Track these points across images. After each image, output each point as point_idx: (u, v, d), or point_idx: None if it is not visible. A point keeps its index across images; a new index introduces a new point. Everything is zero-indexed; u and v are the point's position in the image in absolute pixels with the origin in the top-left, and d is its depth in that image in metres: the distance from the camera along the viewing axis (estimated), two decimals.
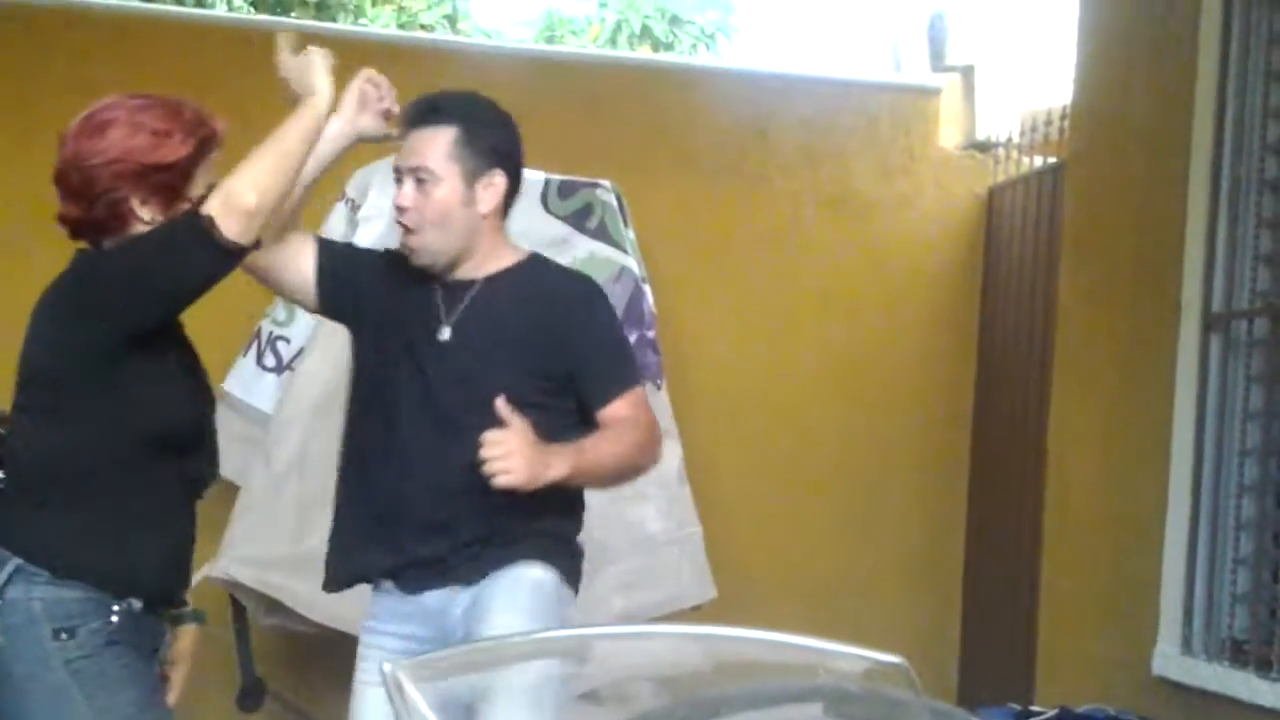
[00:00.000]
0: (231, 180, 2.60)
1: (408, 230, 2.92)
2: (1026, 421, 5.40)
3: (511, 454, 2.66)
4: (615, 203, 5.10)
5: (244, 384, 5.00)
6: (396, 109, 3.01)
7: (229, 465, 4.92)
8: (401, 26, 14.08)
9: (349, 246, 3.44)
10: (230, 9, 12.52)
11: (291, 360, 4.92)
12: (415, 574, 2.92)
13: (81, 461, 2.69)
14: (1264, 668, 3.73)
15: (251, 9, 12.98)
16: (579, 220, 5.03)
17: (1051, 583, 4.81)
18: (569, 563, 2.99)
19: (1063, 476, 4.78)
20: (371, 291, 3.03)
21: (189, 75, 5.48)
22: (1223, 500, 4.01)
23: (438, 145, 2.90)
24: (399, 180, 2.94)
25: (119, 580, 2.68)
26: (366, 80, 2.99)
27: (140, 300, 2.66)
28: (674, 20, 16.62)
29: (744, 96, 6.03)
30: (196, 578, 4.65)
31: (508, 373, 2.86)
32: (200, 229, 2.57)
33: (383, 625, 2.97)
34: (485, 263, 2.95)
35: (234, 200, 2.58)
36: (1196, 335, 4.05)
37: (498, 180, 2.94)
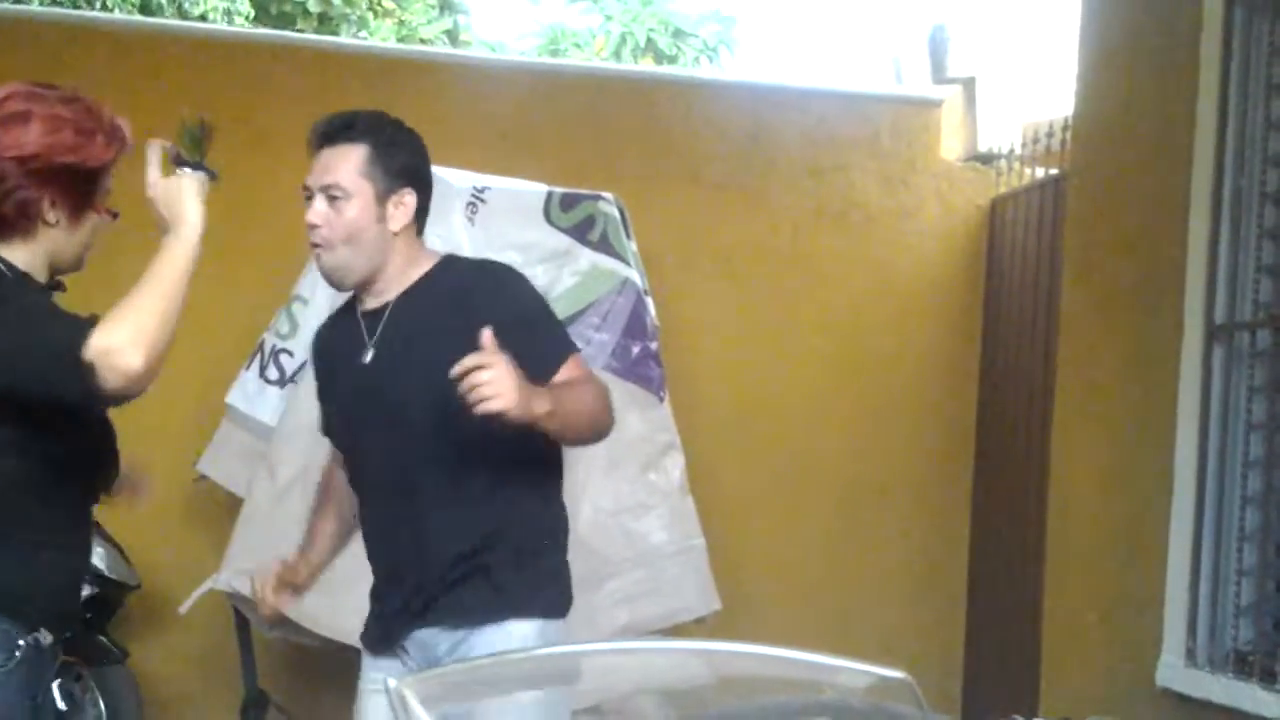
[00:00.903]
0: (116, 330, 2.35)
1: (317, 246, 2.92)
2: (1030, 433, 5.40)
3: (500, 379, 2.53)
4: (618, 215, 5.10)
5: (247, 397, 5.01)
6: None
7: (232, 477, 4.99)
8: (402, 41, 14.11)
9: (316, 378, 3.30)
10: (231, 24, 12.55)
11: (295, 373, 4.92)
12: (391, 627, 2.92)
13: None
14: (1268, 679, 3.72)
15: (254, 24, 13.01)
16: (581, 232, 5.04)
17: (1055, 594, 4.81)
18: (551, 596, 2.91)
19: (1066, 488, 4.77)
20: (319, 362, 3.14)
21: (191, 89, 5.50)
22: (1226, 511, 4.00)
23: (349, 163, 2.89)
24: (309, 197, 2.93)
25: (29, 612, 2.57)
26: None
27: None
28: (677, 33, 16.67)
29: (746, 109, 6.04)
30: (200, 590, 4.72)
31: (428, 383, 2.77)
32: (79, 375, 2.34)
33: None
34: (399, 279, 2.93)
35: (119, 361, 2.32)
36: (1199, 346, 4.05)
37: (408, 199, 2.92)
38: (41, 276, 2.64)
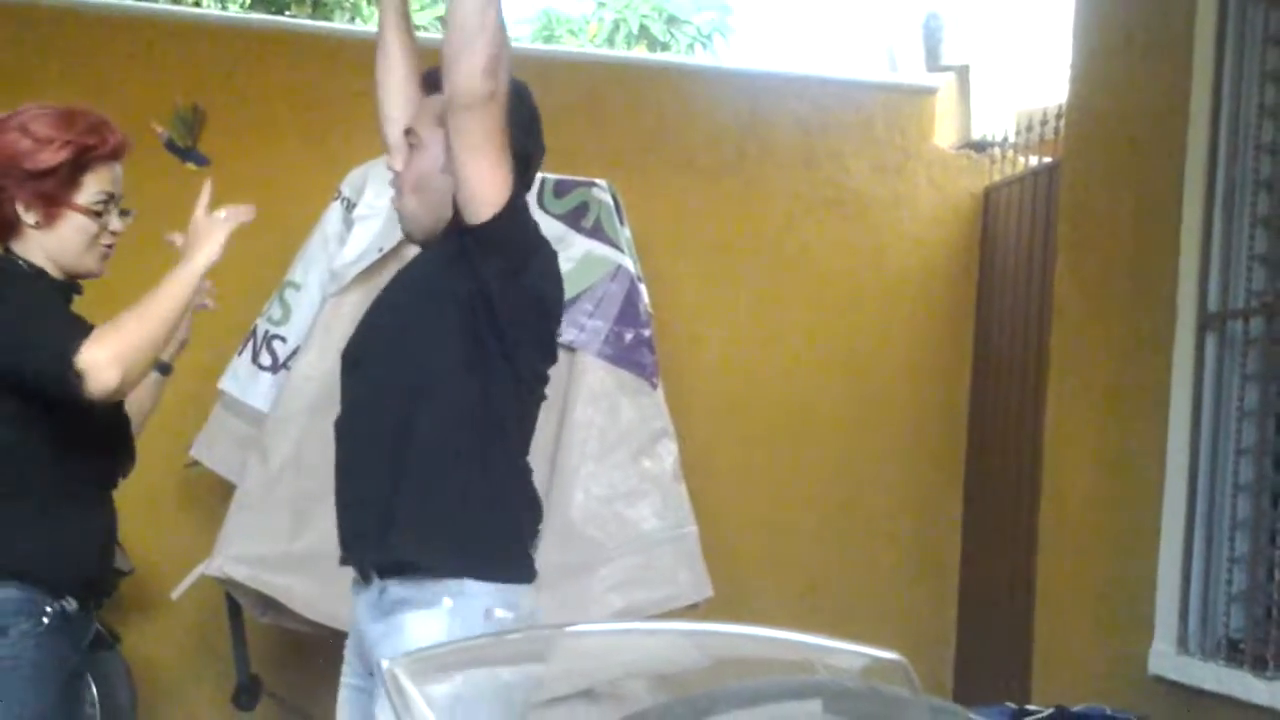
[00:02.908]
0: (103, 347, 2.61)
1: (397, 194, 2.88)
2: (1022, 420, 5.41)
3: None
4: (611, 201, 5.10)
5: (240, 383, 5.00)
6: None
7: (225, 463, 4.99)
8: None
9: None
10: (224, 8, 12.51)
11: (288, 359, 4.92)
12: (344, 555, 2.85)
13: (4, 464, 2.75)
14: (1260, 666, 3.73)
15: (247, 9, 12.97)
16: (575, 219, 5.04)
17: (1047, 581, 4.82)
18: (501, 565, 2.74)
19: (1058, 475, 4.79)
20: None
21: (184, 73, 5.49)
22: (1219, 499, 4.01)
23: (428, 111, 2.82)
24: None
25: (54, 580, 2.75)
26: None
27: None
28: (671, 20, 16.65)
29: (740, 96, 6.04)
30: (192, 575, 4.72)
31: (384, 336, 2.79)
32: (65, 378, 2.60)
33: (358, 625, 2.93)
34: None
35: (99, 376, 2.59)
36: (1192, 334, 4.05)
37: None
38: (55, 273, 2.89)
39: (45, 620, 2.72)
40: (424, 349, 2.74)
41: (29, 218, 2.83)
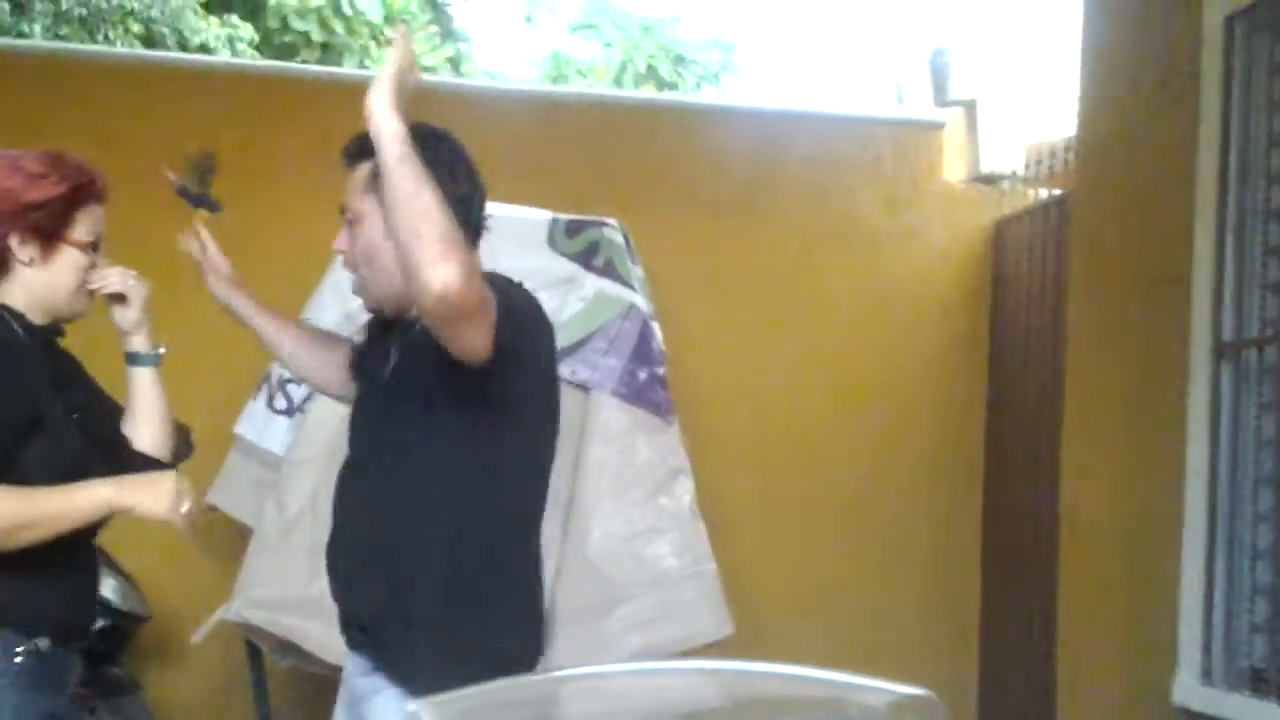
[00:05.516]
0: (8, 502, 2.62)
1: (350, 271, 2.85)
2: (1039, 453, 5.39)
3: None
4: (622, 241, 5.11)
5: (255, 427, 5.01)
6: None
7: (241, 507, 4.99)
8: None
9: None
10: (235, 54, 12.58)
11: (303, 403, 4.92)
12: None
13: None
14: None
15: (257, 54, 13.05)
16: (586, 258, 5.04)
17: (1069, 613, 4.80)
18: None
19: (1077, 507, 4.77)
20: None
21: (195, 121, 5.52)
22: (1239, 529, 3.99)
23: (358, 183, 2.78)
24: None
25: (24, 620, 2.73)
26: None
27: None
28: (678, 59, 16.71)
29: (748, 133, 6.06)
30: (212, 620, 4.71)
31: (390, 426, 2.75)
32: None
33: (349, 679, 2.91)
34: None
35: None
36: (1207, 364, 4.05)
37: None
38: (37, 318, 2.85)
39: (17, 660, 2.70)
40: (427, 463, 2.71)
41: (24, 254, 2.81)
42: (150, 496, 2.70)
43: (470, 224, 2.74)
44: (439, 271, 2.34)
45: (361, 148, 2.73)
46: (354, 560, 2.79)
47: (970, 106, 6.15)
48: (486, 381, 2.59)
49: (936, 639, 5.89)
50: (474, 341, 2.49)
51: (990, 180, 6.09)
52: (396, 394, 2.80)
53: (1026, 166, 5.82)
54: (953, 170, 6.12)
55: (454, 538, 2.69)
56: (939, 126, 6.16)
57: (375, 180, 2.67)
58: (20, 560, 2.69)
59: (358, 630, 2.80)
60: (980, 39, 6.53)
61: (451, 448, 2.69)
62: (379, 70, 2.52)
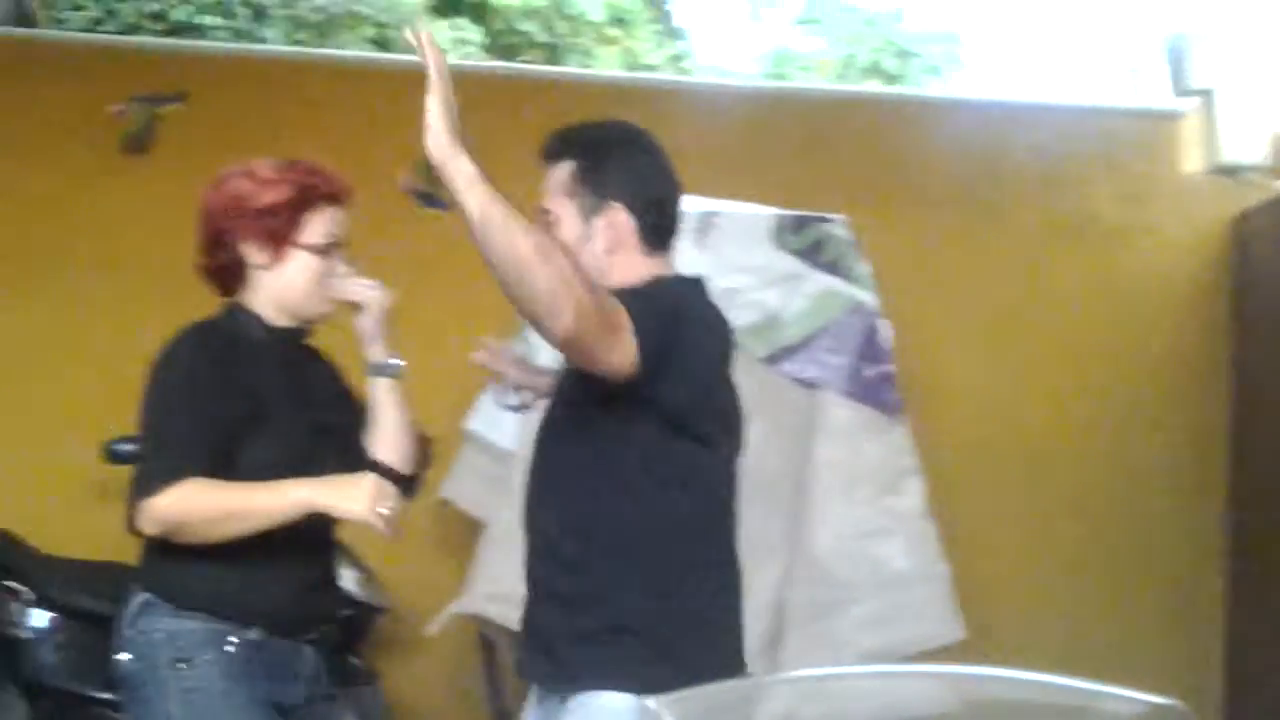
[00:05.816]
0: (182, 497, 2.71)
1: None
2: None
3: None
4: (848, 237, 5.06)
5: (487, 422, 5.08)
6: None
7: (475, 502, 5.08)
8: (628, 68, 14.27)
9: None
10: (464, 57, 12.84)
11: (533, 399, 4.98)
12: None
13: None
14: None
15: (485, 56, 13.30)
16: (811, 255, 5.00)
17: None
18: (654, 671, 2.58)
19: None
20: None
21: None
22: None
23: (555, 182, 2.75)
24: None
25: (237, 611, 2.83)
26: None
27: None
28: (902, 53, 16.51)
29: (975, 127, 5.96)
30: (447, 612, 4.81)
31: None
32: (136, 499, 2.73)
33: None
34: None
35: (146, 520, 2.73)
36: None
37: (620, 217, 2.71)
38: (280, 320, 2.97)
39: (229, 650, 2.81)
40: (586, 471, 2.74)
41: (257, 258, 2.92)
42: (348, 497, 2.77)
43: (663, 226, 2.76)
44: (555, 325, 2.33)
45: (563, 145, 2.76)
46: (538, 575, 2.86)
47: (1210, 95, 5.94)
48: (636, 391, 2.56)
49: (1176, 644, 5.70)
50: (611, 361, 2.47)
51: (1231, 172, 5.88)
52: (565, 403, 2.84)
53: (1272, 156, 5.61)
54: (1191, 161, 5.92)
55: (619, 547, 2.69)
56: (1178, 116, 5.97)
57: (574, 181, 2.72)
58: (236, 555, 2.79)
59: (540, 654, 2.85)
60: (1220, 24, 6.31)
61: (609, 454, 2.69)
62: (426, 113, 2.41)
